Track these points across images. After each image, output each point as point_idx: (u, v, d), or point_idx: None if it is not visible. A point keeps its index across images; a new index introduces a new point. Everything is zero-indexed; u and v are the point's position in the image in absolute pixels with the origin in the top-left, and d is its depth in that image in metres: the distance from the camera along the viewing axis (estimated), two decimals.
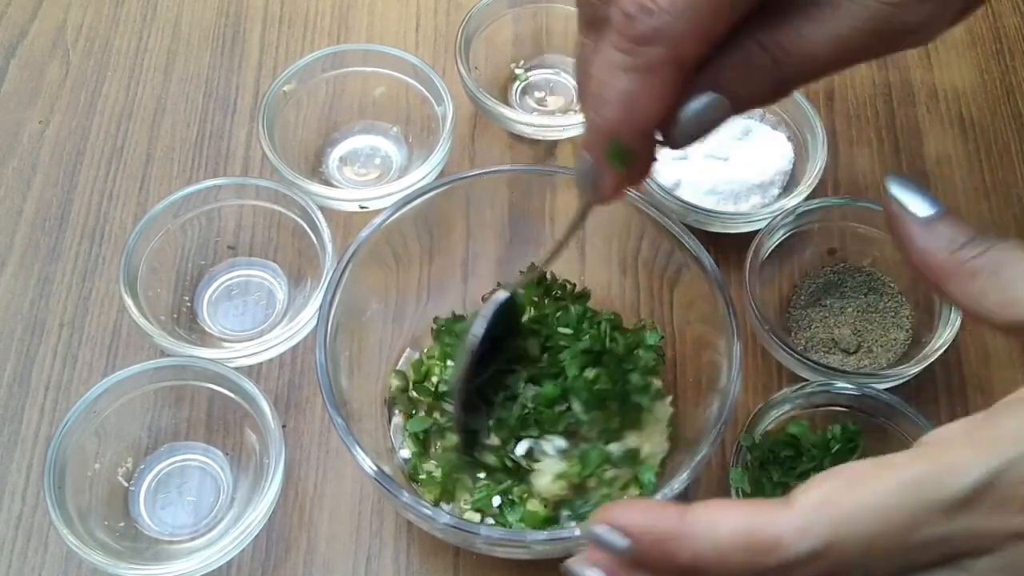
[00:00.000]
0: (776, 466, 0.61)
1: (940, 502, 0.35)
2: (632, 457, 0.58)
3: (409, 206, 0.61)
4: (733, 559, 0.35)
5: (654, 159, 0.45)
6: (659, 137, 0.44)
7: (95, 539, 0.57)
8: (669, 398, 0.62)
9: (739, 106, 0.43)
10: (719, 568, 0.36)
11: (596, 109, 0.43)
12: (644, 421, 0.59)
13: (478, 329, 0.55)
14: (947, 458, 0.36)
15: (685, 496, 0.62)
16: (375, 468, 0.53)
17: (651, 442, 0.59)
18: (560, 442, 0.58)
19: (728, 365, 0.56)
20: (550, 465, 0.57)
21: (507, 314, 0.57)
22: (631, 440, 0.59)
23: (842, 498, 0.35)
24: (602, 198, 0.46)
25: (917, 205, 0.41)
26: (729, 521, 0.36)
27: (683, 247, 0.60)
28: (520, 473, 0.58)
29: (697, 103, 0.42)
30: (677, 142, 0.44)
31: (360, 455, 0.53)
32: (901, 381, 0.65)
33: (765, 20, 0.41)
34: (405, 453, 0.62)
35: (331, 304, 0.58)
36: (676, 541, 0.36)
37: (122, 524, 0.61)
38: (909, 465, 0.36)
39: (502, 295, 0.56)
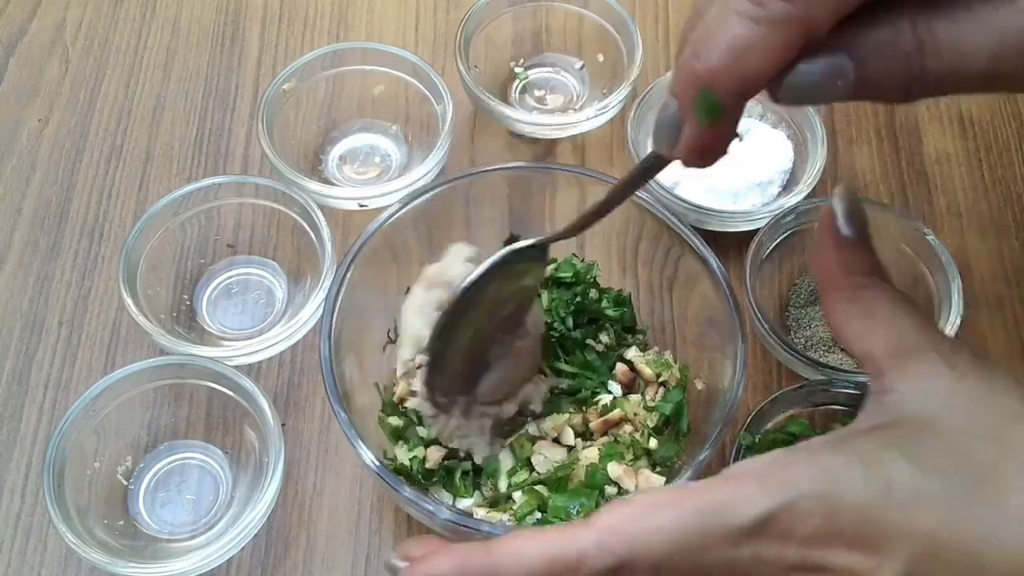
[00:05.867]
0: None
1: (727, 528, 0.38)
2: None
3: (410, 205, 0.61)
4: None
5: (736, 127, 0.41)
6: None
7: (94, 537, 0.57)
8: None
9: (862, 86, 0.38)
10: None
11: (698, 52, 0.38)
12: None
13: (475, 273, 0.54)
14: (739, 490, 0.39)
15: None
16: (377, 462, 0.53)
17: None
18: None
19: (732, 367, 0.56)
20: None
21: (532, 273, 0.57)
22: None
23: (640, 519, 0.39)
24: (676, 151, 0.41)
25: (845, 223, 0.45)
26: (534, 546, 0.39)
27: (687, 246, 0.60)
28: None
29: (825, 63, 0.38)
30: (782, 98, 0.39)
31: (362, 449, 0.53)
32: None
33: (924, 3, 0.37)
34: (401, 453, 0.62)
35: (336, 297, 0.58)
36: (488, 574, 0.40)
37: (121, 522, 0.61)
38: (704, 494, 0.39)
39: (516, 245, 0.55)
